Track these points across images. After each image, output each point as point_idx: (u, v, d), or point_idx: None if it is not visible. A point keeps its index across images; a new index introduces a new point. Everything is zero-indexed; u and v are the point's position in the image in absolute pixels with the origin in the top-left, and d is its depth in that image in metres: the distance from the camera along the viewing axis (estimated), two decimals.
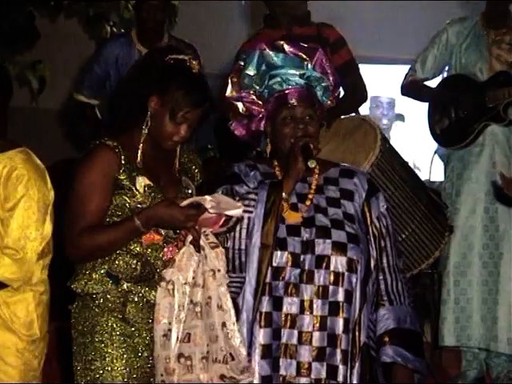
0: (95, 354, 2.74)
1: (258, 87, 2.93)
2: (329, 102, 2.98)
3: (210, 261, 2.71)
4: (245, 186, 2.88)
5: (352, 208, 2.88)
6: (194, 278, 2.70)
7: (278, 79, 2.89)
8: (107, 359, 2.73)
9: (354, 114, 4.11)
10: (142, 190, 2.77)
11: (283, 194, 2.80)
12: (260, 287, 2.76)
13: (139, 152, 2.80)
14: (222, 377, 2.69)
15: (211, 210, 2.67)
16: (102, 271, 2.76)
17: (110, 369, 2.73)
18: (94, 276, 2.76)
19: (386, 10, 6.39)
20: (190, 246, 2.72)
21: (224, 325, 2.69)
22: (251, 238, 2.78)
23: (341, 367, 2.74)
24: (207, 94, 2.82)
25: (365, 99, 4.39)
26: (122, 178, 2.76)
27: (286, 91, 2.89)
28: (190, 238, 2.71)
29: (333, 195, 2.89)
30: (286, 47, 2.92)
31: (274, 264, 2.77)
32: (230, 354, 2.69)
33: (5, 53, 5.78)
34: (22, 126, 6.71)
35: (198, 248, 2.71)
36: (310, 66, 2.91)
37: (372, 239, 2.88)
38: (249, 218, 2.79)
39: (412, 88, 4.72)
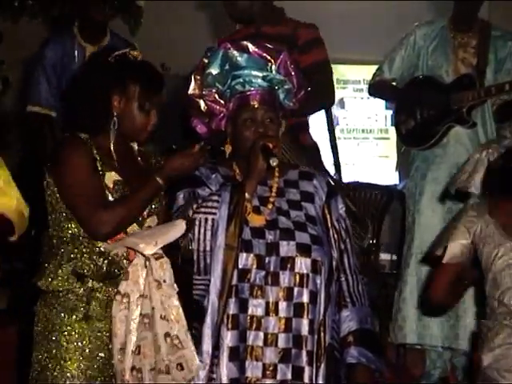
0: (51, 354, 2.75)
1: (220, 86, 2.92)
2: (291, 105, 2.98)
3: (154, 271, 2.70)
4: (207, 189, 2.87)
5: (313, 210, 2.88)
6: (143, 289, 2.70)
7: (241, 80, 2.88)
8: (62, 359, 2.73)
9: None
10: (111, 186, 2.79)
11: (246, 194, 2.79)
12: (225, 289, 2.74)
13: (112, 152, 2.82)
14: None
15: (152, 252, 2.70)
16: (68, 269, 2.75)
17: (64, 369, 2.73)
18: (59, 273, 2.76)
19: (352, 10, 6.41)
20: (140, 257, 2.71)
21: (168, 335, 2.68)
22: (215, 239, 2.76)
23: (306, 368, 2.74)
24: (162, 77, 2.88)
25: (330, 102, 4.39)
26: (98, 167, 2.78)
27: (248, 93, 2.88)
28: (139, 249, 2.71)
29: (294, 198, 2.89)
30: (251, 48, 2.91)
31: (240, 266, 2.76)
32: (180, 364, 2.69)
33: None
34: None
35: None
36: (273, 67, 2.91)
37: (333, 241, 2.89)
38: (213, 220, 2.77)
39: (379, 88, 4.76)
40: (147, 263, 2.70)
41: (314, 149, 4.17)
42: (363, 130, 6.59)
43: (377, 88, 4.76)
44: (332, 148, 4.30)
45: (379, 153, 6.55)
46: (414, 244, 4.52)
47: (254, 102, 2.87)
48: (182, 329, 2.69)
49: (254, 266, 2.76)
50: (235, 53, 2.89)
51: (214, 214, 2.78)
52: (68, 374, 2.73)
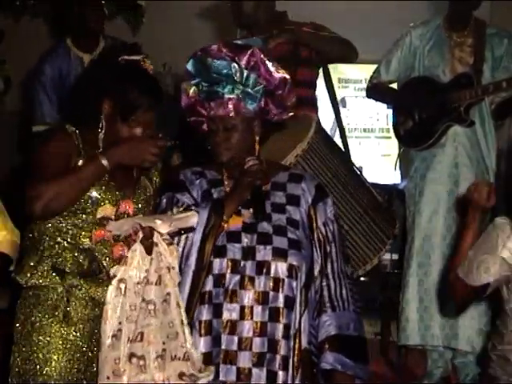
0: (31, 354, 2.72)
1: (197, 92, 2.92)
2: (256, 108, 2.90)
3: (164, 258, 2.68)
4: (187, 194, 2.87)
5: (297, 213, 2.87)
6: (146, 276, 2.67)
7: (204, 89, 2.89)
8: (41, 360, 2.71)
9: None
10: None
11: (224, 217, 2.78)
12: (191, 311, 2.74)
13: (100, 147, 2.78)
14: (182, 375, 2.66)
15: (166, 231, 2.67)
16: (48, 264, 2.74)
17: (43, 370, 2.71)
18: (39, 268, 2.74)
19: (352, 10, 6.40)
20: (139, 244, 2.68)
21: (182, 322, 2.67)
22: (187, 259, 2.77)
23: (280, 373, 2.73)
24: (159, 95, 2.82)
25: (350, 50, 4.19)
26: (80, 162, 2.75)
27: (211, 102, 2.88)
28: (141, 235, 2.68)
29: (278, 201, 2.87)
30: (217, 50, 2.87)
31: (215, 272, 2.75)
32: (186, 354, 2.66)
33: None
34: None
35: (149, 249, 2.68)
36: (242, 71, 2.85)
37: (317, 244, 2.87)
38: (186, 238, 2.78)
39: (377, 91, 4.74)
40: (156, 248, 2.67)
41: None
42: (365, 129, 6.57)
43: (374, 91, 4.75)
44: (343, 146, 4.30)
45: (381, 152, 6.54)
46: (415, 245, 4.51)
47: (213, 111, 2.87)
48: (186, 319, 2.69)
49: (229, 271, 2.75)
50: (204, 59, 2.87)
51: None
52: (48, 375, 2.71)
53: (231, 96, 2.86)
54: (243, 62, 2.85)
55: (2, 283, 3.04)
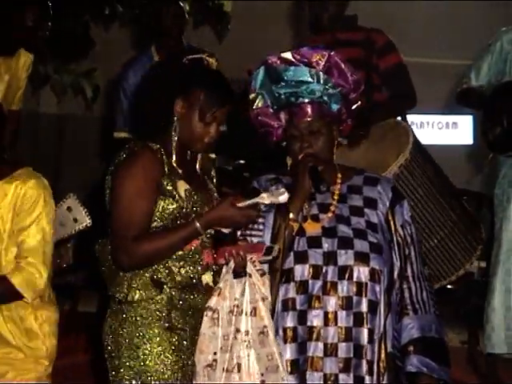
0: (145, 366, 2.68)
1: (269, 101, 2.92)
2: (339, 108, 2.90)
3: (258, 289, 2.67)
4: None
5: (375, 217, 2.85)
6: (238, 306, 2.66)
7: (283, 96, 2.87)
8: (159, 370, 2.68)
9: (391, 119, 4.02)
10: (183, 194, 2.74)
11: (290, 215, 2.78)
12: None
13: (174, 157, 2.75)
14: None
15: (267, 202, 2.68)
16: (147, 276, 2.70)
17: (162, 378, 2.68)
18: (135, 283, 2.70)
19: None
20: (231, 273, 2.68)
21: (281, 355, 2.67)
22: None
23: (367, 378, 2.73)
24: (231, 91, 2.79)
25: (409, 105, 4.35)
26: (166, 182, 2.72)
27: (292, 108, 2.87)
28: (232, 265, 2.68)
29: (356, 204, 2.86)
30: (292, 58, 2.86)
31: (297, 278, 2.76)
32: None
33: (60, 61, 5.85)
34: (76, 133, 6.86)
35: (240, 275, 2.67)
36: (320, 73, 2.84)
37: (396, 247, 2.86)
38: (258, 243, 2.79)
39: (466, 96, 4.68)
40: (249, 279, 2.67)
41: None
42: None
43: (464, 96, 4.68)
44: None
45: None
46: (502, 251, 4.43)
47: (297, 117, 2.86)
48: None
49: (311, 277, 2.76)
50: (279, 67, 2.86)
51: (260, 236, 2.80)
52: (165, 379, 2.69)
53: (314, 100, 2.86)
54: (320, 67, 2.85)
55: (90, 288, 3.07)
